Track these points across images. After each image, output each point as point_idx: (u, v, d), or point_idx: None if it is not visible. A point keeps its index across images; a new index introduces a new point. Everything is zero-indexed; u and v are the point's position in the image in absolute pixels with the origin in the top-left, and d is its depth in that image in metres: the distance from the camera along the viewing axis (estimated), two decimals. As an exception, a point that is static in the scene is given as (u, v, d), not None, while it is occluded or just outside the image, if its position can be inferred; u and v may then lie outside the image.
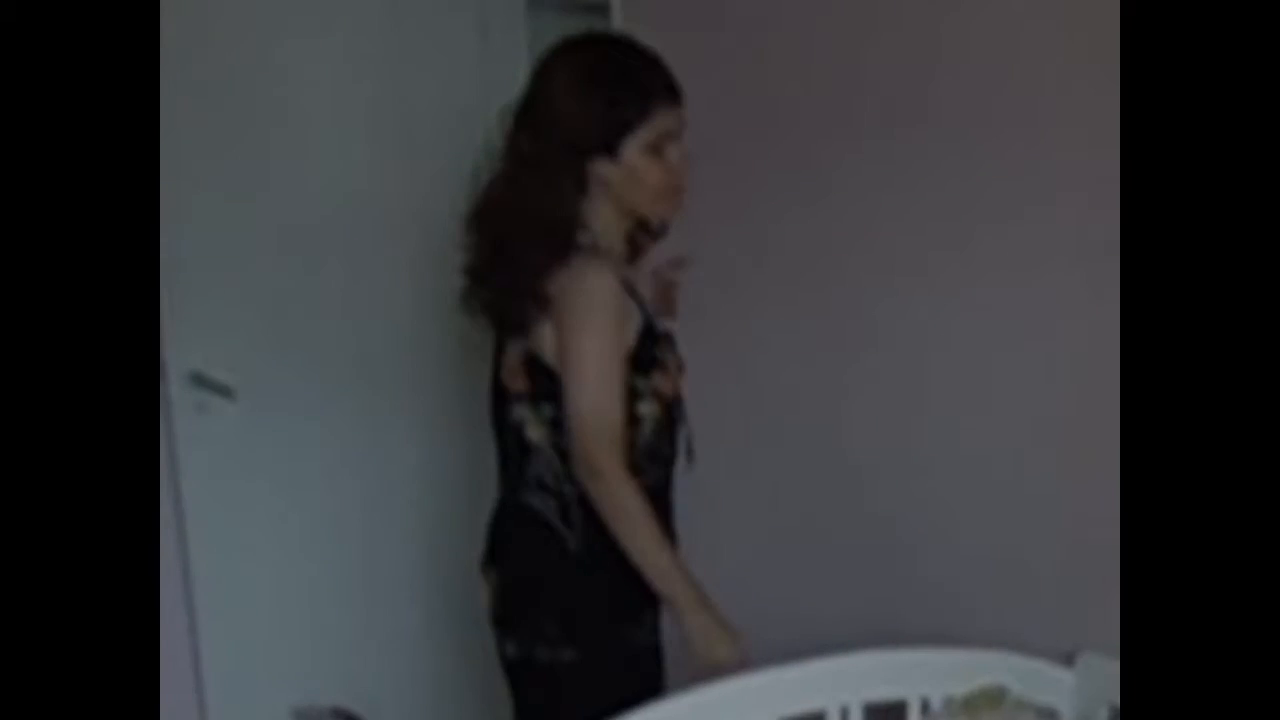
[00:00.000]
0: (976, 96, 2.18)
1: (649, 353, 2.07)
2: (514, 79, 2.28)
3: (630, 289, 2.08)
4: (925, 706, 1.92)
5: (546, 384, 2.02)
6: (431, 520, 3.15)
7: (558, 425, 2.02)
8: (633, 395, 2.04)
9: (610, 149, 2.03)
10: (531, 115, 2.05)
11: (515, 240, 2.03)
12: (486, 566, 2.18)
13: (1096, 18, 1.87)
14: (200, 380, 2.77)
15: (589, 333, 1.98)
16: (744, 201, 2.59)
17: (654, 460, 2.10)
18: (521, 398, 2.06)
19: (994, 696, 1.91)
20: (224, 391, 2.78)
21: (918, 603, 2.30)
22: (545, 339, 2.01)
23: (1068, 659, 2.00)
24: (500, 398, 2.11)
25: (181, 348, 2.72)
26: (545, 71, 2.08)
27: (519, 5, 3.17)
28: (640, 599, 2.07)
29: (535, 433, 2.05)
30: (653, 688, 2.10)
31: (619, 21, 2.83)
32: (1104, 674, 1.94)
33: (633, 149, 2.03)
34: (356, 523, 3.07)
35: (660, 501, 2.10)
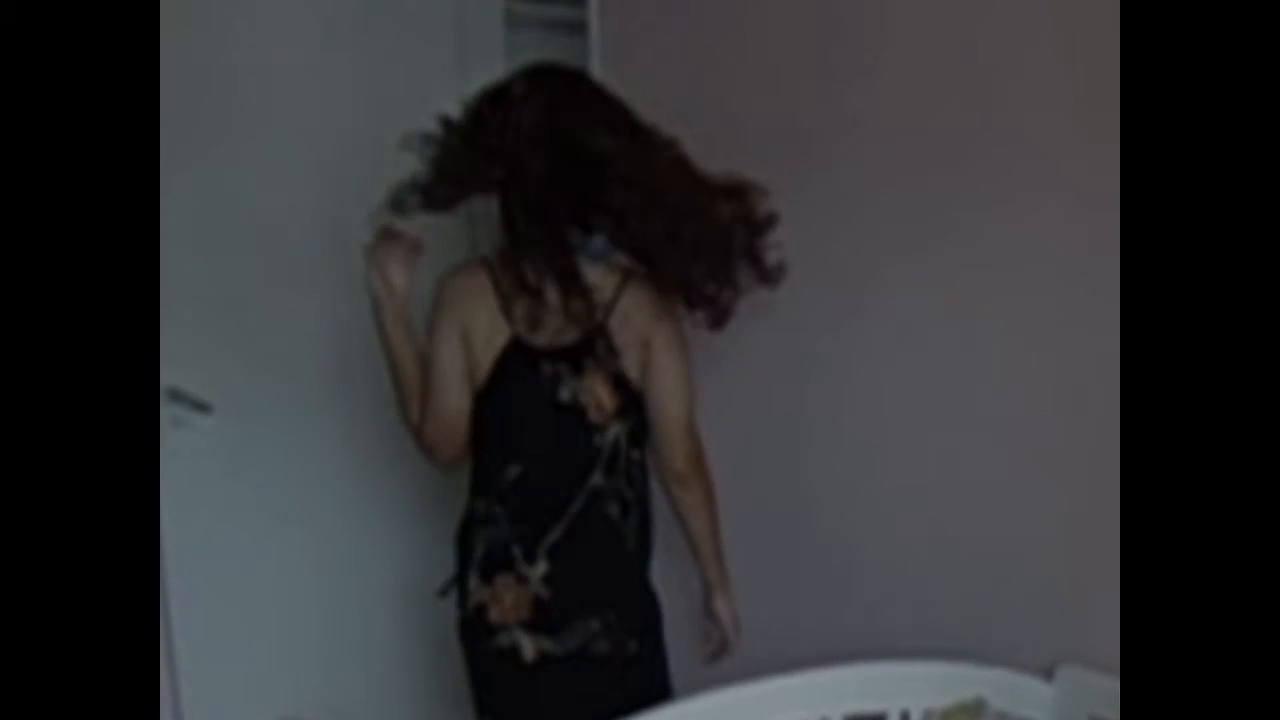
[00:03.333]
0: (962, 116, 2.20)
1: None
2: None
3: None
4: (905, 719, 1.93)
5: (631, 401, 2.25)
6: (409, 533, 3.14)
7: (632, 437, 2.25)
8: None
9: None
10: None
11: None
12: (527, 571, 2.22)
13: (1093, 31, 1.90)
14: (177, 395, 2.76)
15: (682, 343, 2.27)
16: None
17: None
18: (618, 415, 2.23)
19: (973, 709, 1.93)
20: (201, 407, 2.78)
21: (898, 616, 2.32)
22: (632, 358, 2.23)
23: (1047, 672, 2.02)
24: (580, 418, 2.22)
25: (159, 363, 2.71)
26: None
27: (497, 23, 3.18)
28: None
29: (624, 445, 2.24)
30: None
31: (596, 40, 2.84)
32: (1083, 686, 1.96)
33: None
34: (333, 536, 3.07)
35: None
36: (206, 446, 2.82)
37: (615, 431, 2.24)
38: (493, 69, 3.03)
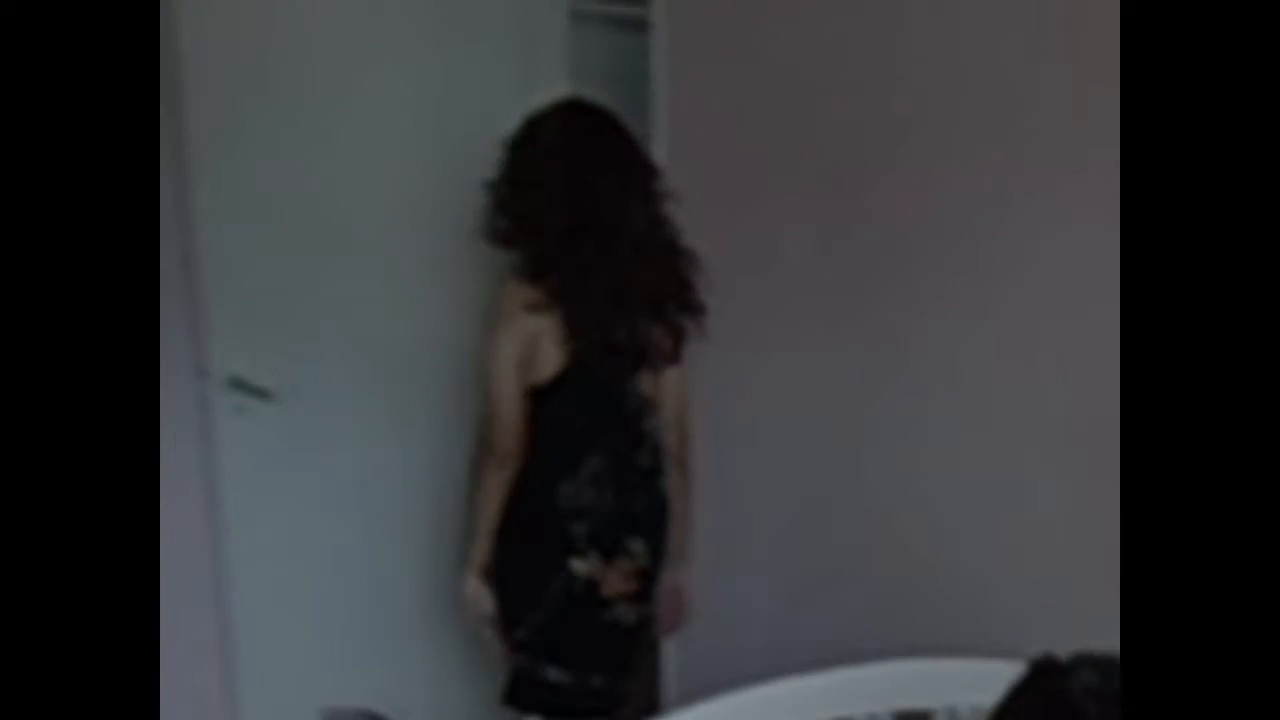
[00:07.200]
0: (987, 129, 2.21)
1: None
2: (555, 93, 2.36)
3: None
4: (952, 716, 1.93)
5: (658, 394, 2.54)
6: (465, 523, 3.16)
7: (661, 423, 2.54)
8: None
9: None
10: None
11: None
12: (635, 546, 2.49)
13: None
14: (239, 384, 2.79)
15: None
16: (765, 222, 2.62)
17: None
18: (654, 404, 2.52)
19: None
20: (262, 394, 2.81)
21: (945, 614, 2.31)
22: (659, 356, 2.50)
23: (1096, 672, 2.00)
24: (640, 407, 2.50)
25: (221, 351, 2.76)
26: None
27: (560, 20, 3.19)
28: None
29: (659, 429, 2.54)
30: None
31: (663, 39, 2.86)
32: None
33: None
34: (391, 525, 3.10)
35: None
36: (267, 434, 2.85)
37: (655, 418, 2.52)
38: (557, 67, 3.08)
